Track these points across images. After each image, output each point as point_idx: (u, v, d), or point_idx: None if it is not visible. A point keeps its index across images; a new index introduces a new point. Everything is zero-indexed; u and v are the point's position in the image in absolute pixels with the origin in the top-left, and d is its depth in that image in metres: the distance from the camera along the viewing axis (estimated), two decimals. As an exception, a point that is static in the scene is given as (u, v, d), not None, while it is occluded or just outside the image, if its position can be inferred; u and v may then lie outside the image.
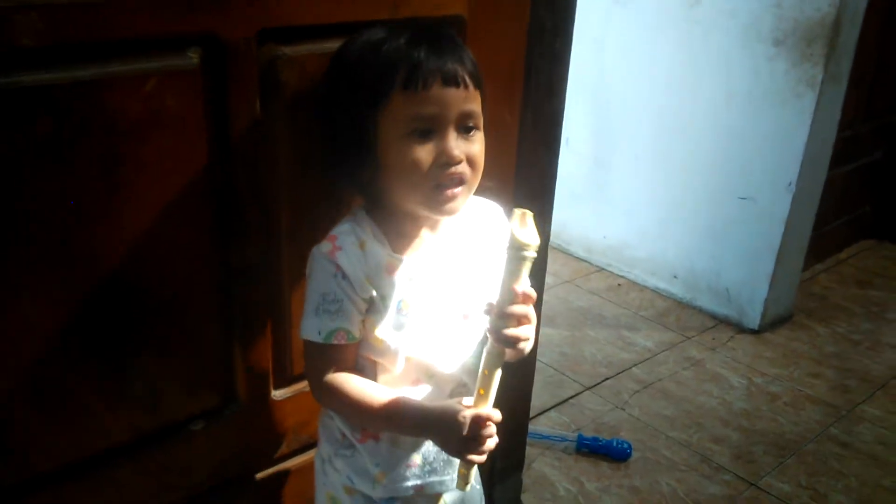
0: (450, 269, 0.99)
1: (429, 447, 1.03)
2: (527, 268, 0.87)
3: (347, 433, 1.03)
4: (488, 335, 0.90)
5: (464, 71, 0.88)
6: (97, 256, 0.93)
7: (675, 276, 2.63)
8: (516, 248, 0.86)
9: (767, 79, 2.25)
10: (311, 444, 1.26)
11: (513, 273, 0.87)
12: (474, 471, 0.93)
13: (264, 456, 1.22)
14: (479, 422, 0.89)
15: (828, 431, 2.01)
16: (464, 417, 0.89)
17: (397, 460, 1.02)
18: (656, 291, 2.67)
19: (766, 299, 2.43)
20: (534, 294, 0.89)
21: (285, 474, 1.25)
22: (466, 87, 0.89)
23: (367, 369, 1.00)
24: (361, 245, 0.95)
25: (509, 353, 0.92)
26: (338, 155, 0.96)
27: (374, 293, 0.94)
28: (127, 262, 0.96)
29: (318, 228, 1.13)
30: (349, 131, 0.92)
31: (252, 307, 1.11)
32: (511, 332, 0.88)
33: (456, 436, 0.89)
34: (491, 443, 0.91)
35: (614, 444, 1.87)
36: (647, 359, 2.29)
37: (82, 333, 0.95)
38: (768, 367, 2.28)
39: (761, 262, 2.41)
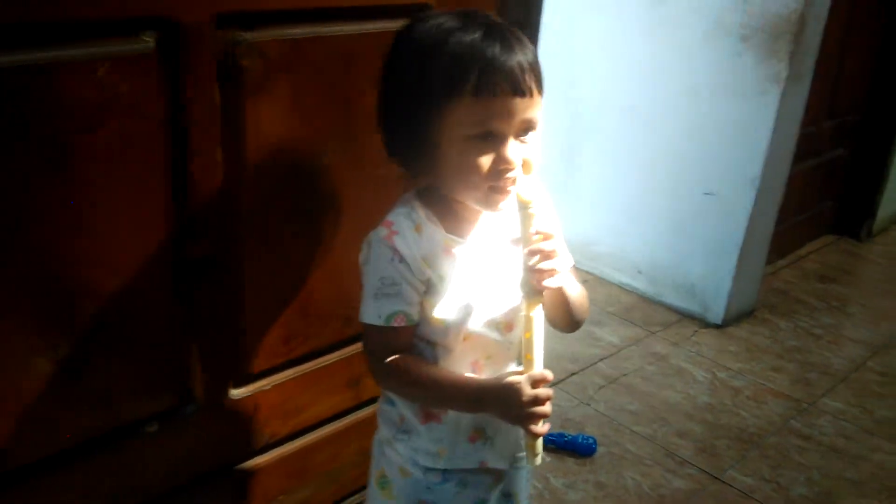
0: (505, 248, 0.98)
1: (488, 426, 1.02)
2: (533, 222, 0.91)
3: (409, 416, 1.03)
4: (521, 291, 0.93)
5: (532, 79, 0.88)
6: (47, 249, 0.89)
7: (639, 272, 2.63)
8: (521, 207, 0.91)
9: (732, 75, 2.25)
10: (273, 444, 1.23)
11: (523, 230, 0.92)
12: (539, 443, 0.93)
13: (225, 456, 1.18)
14: (534, 383, 0.91)
15: (789, 424, 2.03)
16: (519, 382, 0.91)
17: (458, 440, 1.02)
18: (622, 287, 2.67)
19: (729, 294, 2.44)
20: (549, 233, 0.92)
21: (247, 475, 1.21)
22: (532, 95, 0.88)
23: (425, 353, 0.99)
24: (417, 228, 0.95)
25: (548, 305, 0.95)
26: (397, 140, 0.95)
27: (432, 274, 0.95)
28: (78, 255, 0.92)
29: (281, 222, 1.10)
30: (412, 120, 0.91)
31: (209, 304, 1.07)
32: (535, 265, 0.90)
33: (515, 402, 0.91)
34: (549, 405, 0.92)
35: (580, 439, 1.86)
36: (613, 354, 2.29)
37: (30, 331, 0.91)
38: (732, 362, 2.30)
39: (725, 257, 2.42)
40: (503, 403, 0.93)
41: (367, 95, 1.14)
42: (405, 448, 1.05)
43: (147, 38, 0.89)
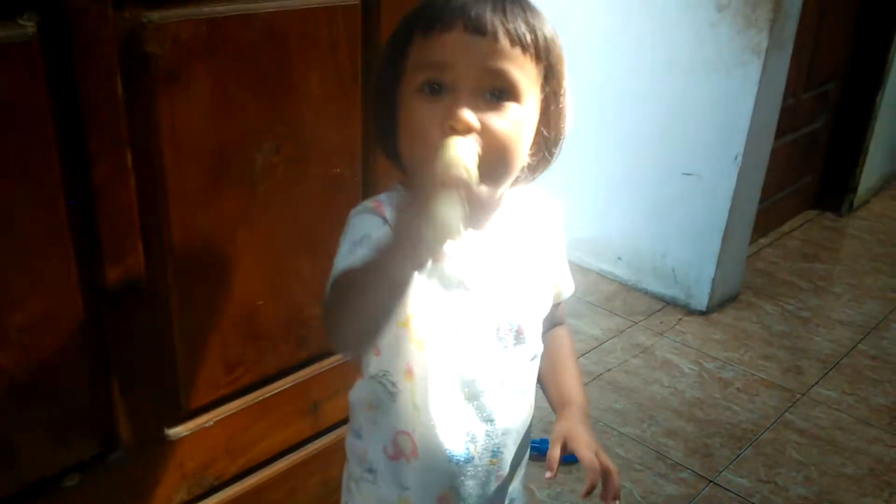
0: (498, 274, 0.81)
1: (462, 485, 0.85)
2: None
3: (373, 451, 0.86)
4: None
5: (504, 22, 0.70)
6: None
7: (619, 258, 2.51)
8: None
9: (711, 47, 2.12)
10: (217, 488, 1.08)
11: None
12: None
13: (161, 506, 1.03)
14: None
15: (784, 418, 1.91)
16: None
17: (427, 488, 0.85)
18: (601, 274, 2.54)
19: (713, 279, 2.32)
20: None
21: (189, 524, 1.06)
22: (497, 39, 0.70)
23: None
24: None
25: None
26: (376, 110, 0.78)
27: None
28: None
29: (214, 235, 0.95)
30: (382, 86, 0.76)
31: (133, 335, 0.91)
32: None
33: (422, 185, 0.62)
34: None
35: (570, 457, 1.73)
36: (595, 348, 2.16)
37: None
38: (719, 351, 2.18)
39: (707, 240, 2.30)
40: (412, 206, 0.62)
41: (311, 81, 0.99)
42: (369, 493, 0.90)
43: (25, 23, 0.72)
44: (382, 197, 0.80)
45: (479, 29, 0.69)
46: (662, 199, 2.35)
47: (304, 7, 0.94)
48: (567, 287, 0.93)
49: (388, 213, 0.76)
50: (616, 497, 0.85)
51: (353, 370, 0.92)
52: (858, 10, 2.84)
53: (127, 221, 0.85)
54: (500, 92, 0.71)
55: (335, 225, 1.09)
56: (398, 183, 0.81)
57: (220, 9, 0.84)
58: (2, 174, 0.74)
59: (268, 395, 1.09)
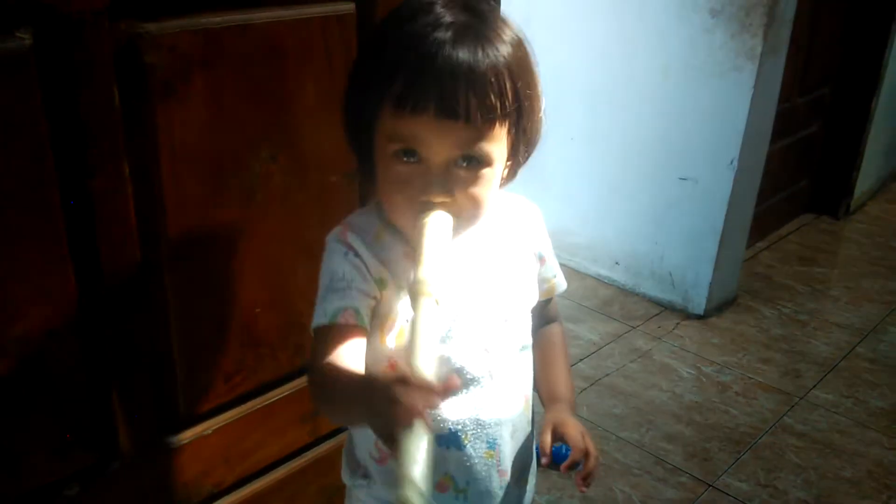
0: (478, 270, 0.84)
1: (458, 475, 0.86)
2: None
3: (365, 459, 0.88)
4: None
5: (477, 100, 0.69)
6: None
7: (616, 263, 2.51)
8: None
9: (705, 52, 2.13)
10: (218, 494, 1.08)
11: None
12: (422, 480, 0.60)
13: (160, 514, 1.03)
14: (401, 386, 0.61)
15: (782, 421, 1.92)
16: (383, 378, 0.65)
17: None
18: (598, 279, 2.55)
19: (710, 283, 2.33)
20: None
21: (188, 532, 1.06)
22: (469, 120, 0.70)
23: None
24: (378, 234, 0.81)
25: None
26: (350, 141, 0.81)
27: (389, 278, 0.80)
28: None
29: (211, 242, 0.95)
30: (353, 120, 0.78)
31: (131, 344, 0.92)
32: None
33: (377, 399, 0.63)
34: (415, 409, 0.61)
35: (563, 451, 1.73)
36: (593, 353, 2.17)
37: None
38: (717, 355, 2.19)
39: (704, 244, 2.31)
40: (369, 402, 0.64)
41: (307, 90, 0.99)
42: (366, 496, 0.90)
43: (22, 35, 0.73)
44: (352, 218, 0.83)
45: (450, 113, 0.69)
46: (659, 204, 2.36)
47: (300, 17, 0.95)
48: (560, 282, 0.95)
49: (353, 238, 0.80)
50: (587, 480, 0.88)
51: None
52: (852, 14, 2.85)
53: (125, 231, 0.86)
54: (472, 159, 0.73)
55: (332, 233, 1.10)
56: (377, 200, 0.83)
57: (216, 19, 0.84)
58: (2, 186, 0.75)
59: (266, 402, 1.09)
